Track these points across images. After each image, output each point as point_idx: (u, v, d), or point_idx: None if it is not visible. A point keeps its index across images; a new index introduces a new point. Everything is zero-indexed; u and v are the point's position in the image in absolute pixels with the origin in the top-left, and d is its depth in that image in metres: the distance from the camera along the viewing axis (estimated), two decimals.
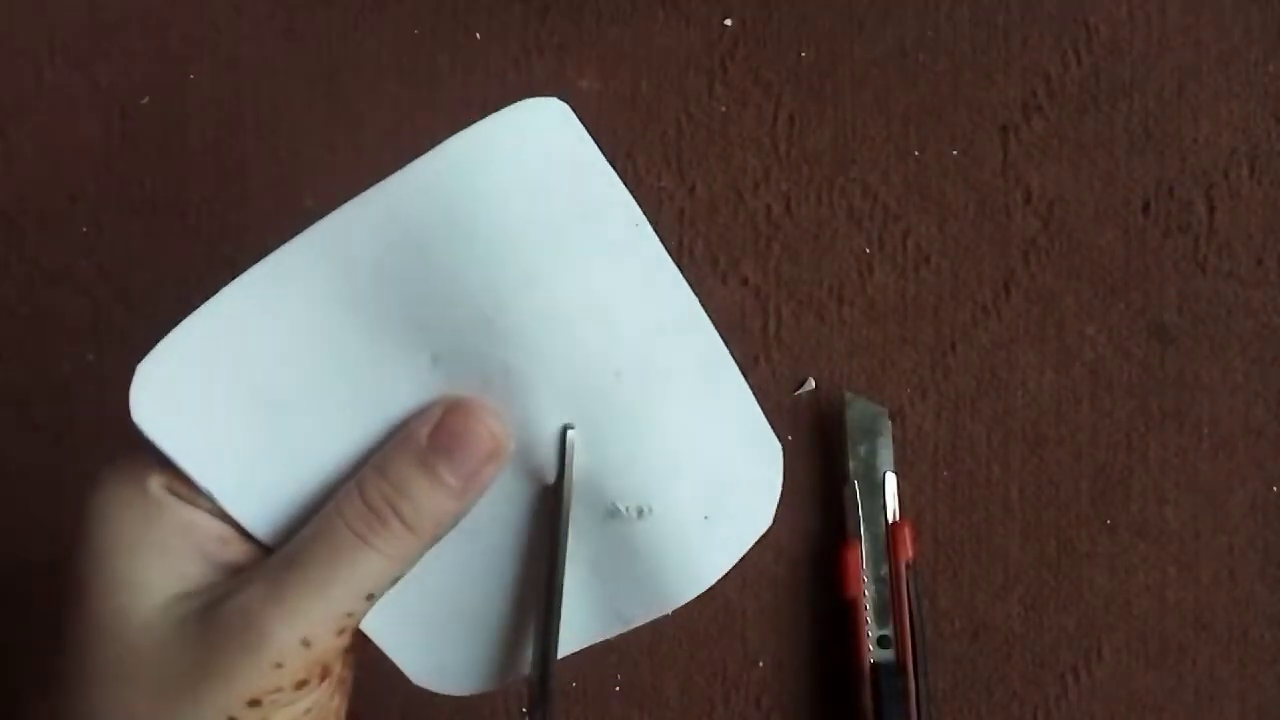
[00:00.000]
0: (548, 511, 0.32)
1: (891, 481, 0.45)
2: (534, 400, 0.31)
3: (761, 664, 0.47)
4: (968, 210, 0.47)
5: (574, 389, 0.31)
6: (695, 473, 0.33)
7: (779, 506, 0.34)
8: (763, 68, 0.47)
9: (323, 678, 0.30)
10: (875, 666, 0.45)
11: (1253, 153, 0.46)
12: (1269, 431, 0.46)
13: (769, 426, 0.34)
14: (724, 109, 0.47)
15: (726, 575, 0.46)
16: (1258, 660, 0.46)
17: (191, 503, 0.31)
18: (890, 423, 0.46)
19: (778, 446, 0.34)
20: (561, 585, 0.32)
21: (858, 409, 0.45)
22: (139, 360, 0.31)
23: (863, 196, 0.47)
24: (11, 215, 0.49)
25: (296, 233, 0.31)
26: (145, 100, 0.48)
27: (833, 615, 0.46)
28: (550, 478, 0.31)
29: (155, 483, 0.30)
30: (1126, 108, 0.46)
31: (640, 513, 0.32)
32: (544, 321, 0.30)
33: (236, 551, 0.31)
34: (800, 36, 0.47)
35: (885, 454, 0.46)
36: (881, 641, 0.45)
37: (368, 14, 0.48)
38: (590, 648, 0.47)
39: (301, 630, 0.29)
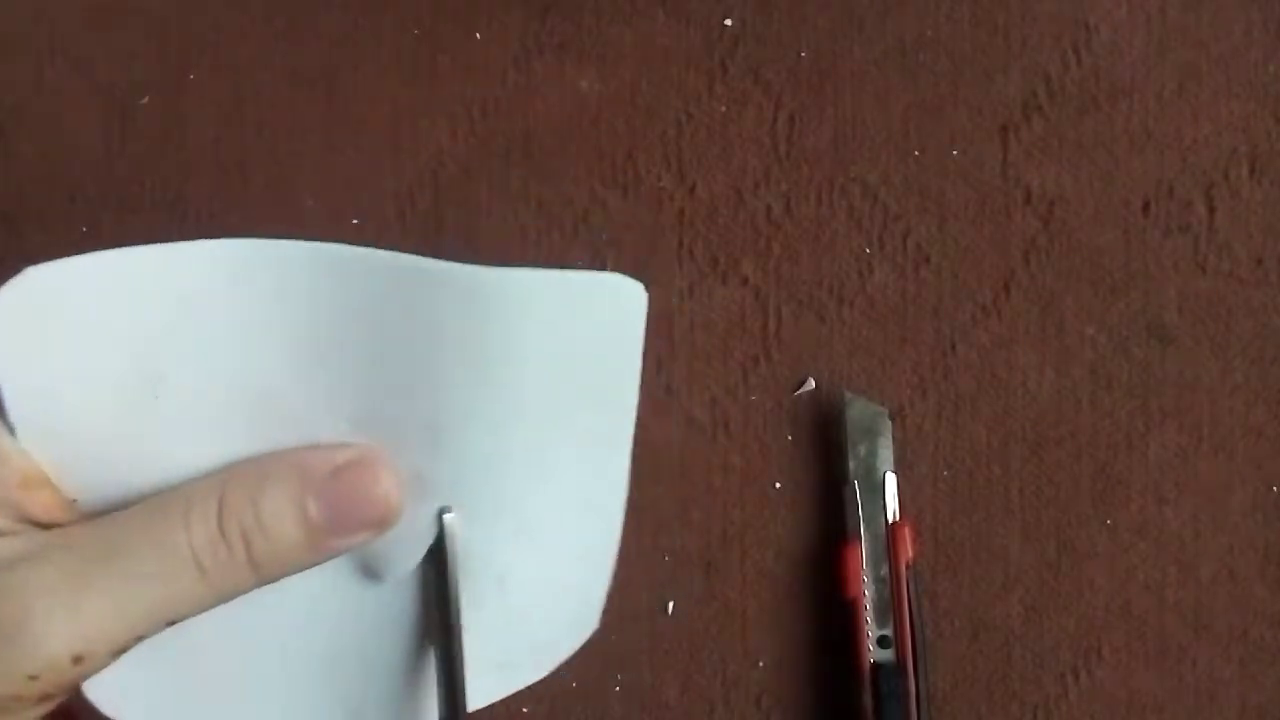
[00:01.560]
0: (425, 584, 0.31)
1: (891, 481, 0.45)
2: (425, 484, 0.29)
3: (761, 664, 0.47)
4: (968, 210, 0.47)
5: (468, 486, 0.30)
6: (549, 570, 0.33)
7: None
8: (763, 68, 0.47)
9: (65, 695, 0.25)
10: (875, 666, 0.45)
11: (1253, 153, 0.46)
12: (1269, 431, 0.46)
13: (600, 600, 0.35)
14: (724, 109, 0.47)
15: (726, 578, 0.47)
16: (1258, 660, 0.46)
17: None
18: (890, 423, 0.46)
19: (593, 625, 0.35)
20: (460, 650, 0.31)
21: (858, 409, 0.45)
22: None
23: (863, 196, 0.47)
24: (11, 215, 0.49)
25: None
26: (145, 100, 0.48)
27: (833, 615, 0.46)
28: (418, 555, 0.30)
29: None
30: (1126, 108, 0.46)
31: (500, 583, 0.32)
32: (483, 430, 0.29)
33: (41, 501, 0.26)
34: (800, 36, 0.47)
35: (885, 454, 0.46)
36: (881, 641, 0.45)
37: (368, 14, 0.48)
38: (592, 648, 0.47)
39: (80, 645, 0.24)
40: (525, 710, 0.47)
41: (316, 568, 0.28)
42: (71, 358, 0.27)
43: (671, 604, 0.47)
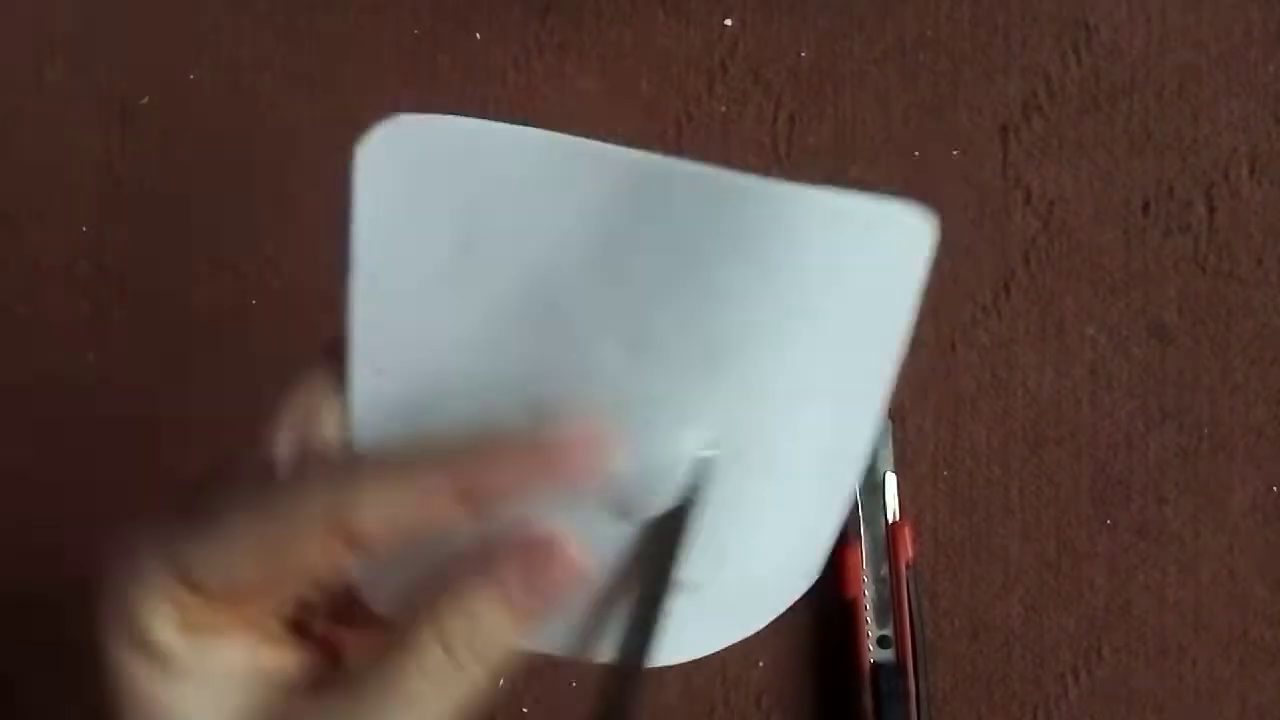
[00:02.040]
0: (656, 533, 0.30)
1: (891, 481, 0.45)
2: (673, 426, 0.29)
3: (761, 664, 0.47)
4: (968, 210, 0.47)
5: (731, 422, 0.29)
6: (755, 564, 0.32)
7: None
8: (763, 68, 0.47)
9: None
10: (875, 666, 0.45)
11: (1253, 153, 0.46)
12: (1269, 431, 0.46)
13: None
14: (724, 109, 0.47)
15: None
16: (1258, 660, 0.46)
17: (213, 631, 0.28)
18: (890, 423, 0.46)
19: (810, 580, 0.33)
20: (666, 597, 0.30)
21: None
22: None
23: None
24: (11, 215, 0.49)
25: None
26: (145, 100, 0.48)
27: (833, 615, 0.46)
28: (668, 491, 0.30)
29: (162, 626, 0.28)
30: (1126, 108, 0.46)
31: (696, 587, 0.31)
32: (755, 362, 0.29)
33: (270, 657, 0.29)
34: (800, 36, 0.47)
35: (885, 454, 0.46)
36: (881, 641, 0.45)
37: (368, 14, 0.48)
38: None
39: None
40: (525, 710, 0.47)
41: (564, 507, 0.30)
42: (414, 211, 0.29)
43: None
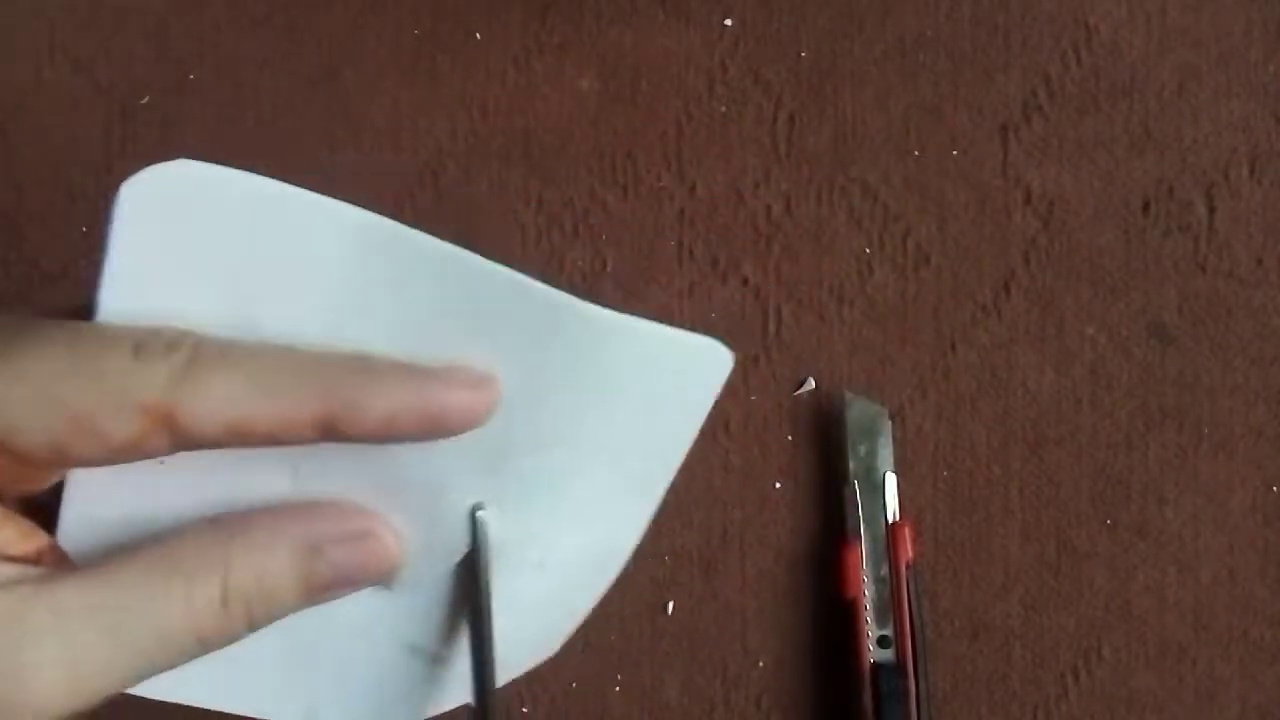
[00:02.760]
0: (462, 577, 0.30)
1: (891, 481, 0.45)
2: (448, 481, 0.29)
3: (761, 664, 0.47)
4: (968, 210, 0.47)
5: (490, 471, 0.29)
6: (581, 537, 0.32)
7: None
8: (763, 68, 0.47)
9: None
10: (875, 666, 0.45)
11: (1253, 153, 0.46)
12: (1269, 431, 0.46)
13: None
14: (724, 109, 0.47)
15: (726, 578, 0.47)
16: (1258, 660, 0.46)
17: None
18: (890, 423, 0.46)
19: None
20: (491, 639, 0.30)
21: (858, 409, 0.45)
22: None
23: (863, 196, 0.47)
24: (11, 215, 0.49)
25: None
26: (145, 100, 0.48)
27: (833, 615, 0.46)
28: (460, 551, 0.30)
29: None
30: (1126, 108, 0.46)
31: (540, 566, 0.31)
32: (530, 444, 0.29)
33: (3, 536, 0.26)
34: (800, 36, 0.47)
35: (885, 454, 0.46)
36: (881, 641, 0.45)
37: (368, 14, 0.48)
38: (592, 648, 0.47)
39: (79, 702, 0.24)
40: (525, 710, 0.47)
41: None
42: (183, 262, 0.27)
43: (671, 604, 0.47)
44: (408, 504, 0.29)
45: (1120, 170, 0.46)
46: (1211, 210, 0.46)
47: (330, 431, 0.25)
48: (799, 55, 0.47)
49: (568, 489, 0.30)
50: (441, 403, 0.26)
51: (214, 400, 0.24)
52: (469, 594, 0.30)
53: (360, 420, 0.25)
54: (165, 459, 0.25)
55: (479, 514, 0.29)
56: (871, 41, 0.47)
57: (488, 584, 0.30)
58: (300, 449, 0.26)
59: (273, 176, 0.28)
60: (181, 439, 0.24)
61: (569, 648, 0.48)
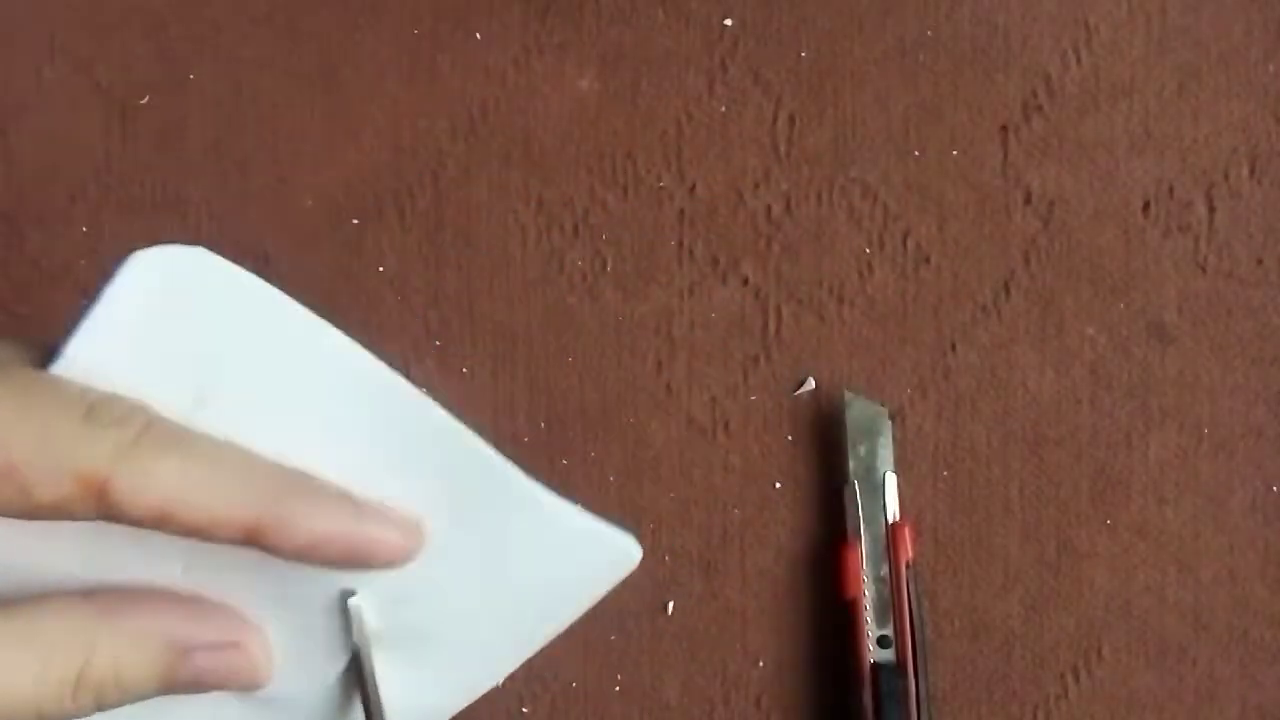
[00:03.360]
0: (351, 666, 0.30)
1: (891, 481, 0.45)
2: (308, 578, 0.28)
3: (761, 664, 0.47)
4: (968, 210, 0.47)
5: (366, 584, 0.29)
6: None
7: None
8: (763, 68, 0.47)
9: None
10: (875, 666, 0.45)
11: (1253, 153, 0.46)
12: (1269, 431, 0.46)
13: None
14: (724, 109, 0.47)
15: (726, 578, 0.47)
16: (1258, 660, 0.46)
17: None
18: (890, 423, 0.46)
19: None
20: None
21: (858, 409, 0.45)
22: None
23: (863, 196, 0.47)
24: (11, 215, 0.49)
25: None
26: (145, 100, 0.48)
27: (833, 615, 0.46)
28: (335, 639, 0.30)
29: None
30: (1126, 108, 0.46)
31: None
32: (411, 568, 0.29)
33: None
34: (800, 36, 0.47)
35: (885, 454, 0.46)
36: (881, 641, 0.45)
37: (368, 14, 0.48)
38: (592, 648, 0.47)
39: None
40: (525, 710, 0.47)
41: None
42: (162, 341, 0.27)
43: (671, 604, 0.47)
44: (282, 588, 0.28)
45: (1120, 170, 0.46)
46: (1211, 210, 0.46)
47: (254, 541, 0.25)
48: (799, 55, 0.47)
49: (444, 602, 0.31)
50: (371, 538, 0.26)
51: (151, 484, 0.24)
52: (355, 681, 0.30)
53: (288, 538, 0.25)
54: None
55: (351, 601, 0.29)
56: (871, 41, 0.47)
57: (372, 672, 0.30)
58: (184, 549, 0.26)
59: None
60: (106, 511, 0.24)
61: (569, 647, 0.48)
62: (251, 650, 0.28)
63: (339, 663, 0.30)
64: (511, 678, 0.35)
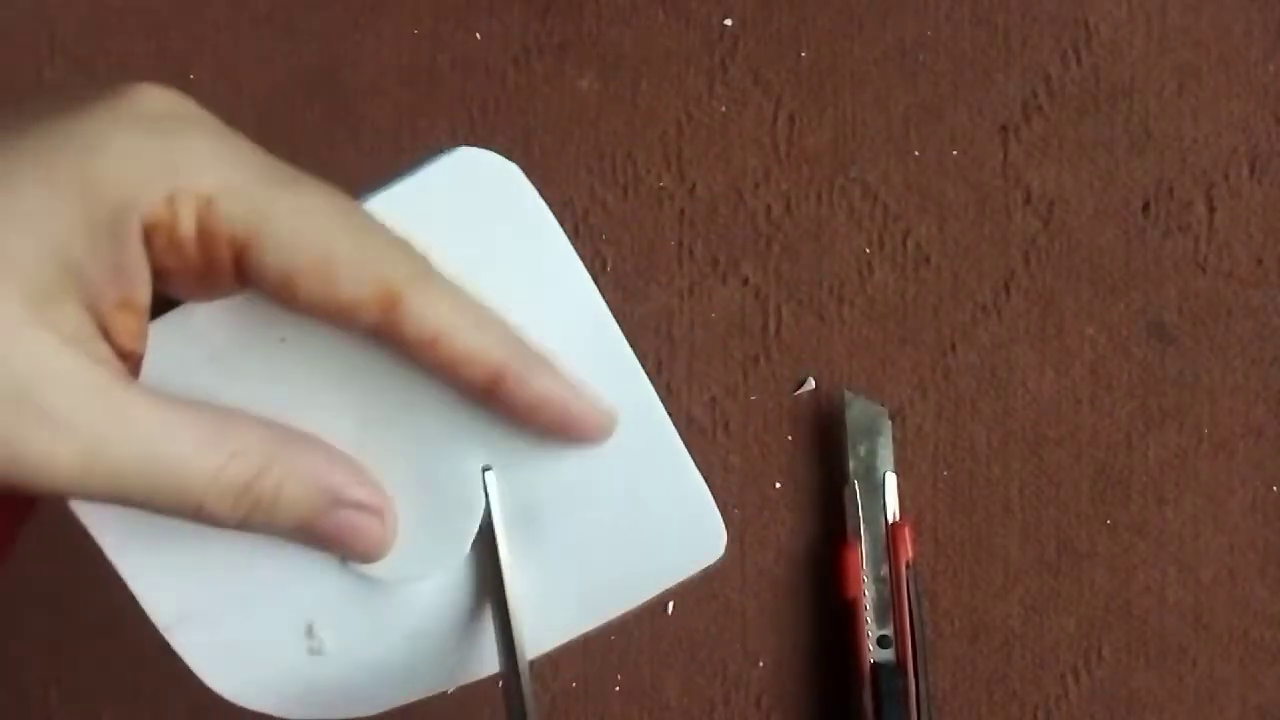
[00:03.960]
0: (484, 538, 0.31)
1: (891, 481, 0.45)
2: (452, 445, 0.30)
3: (761, 664, 0.47)
4: (968, 210, 0.47)
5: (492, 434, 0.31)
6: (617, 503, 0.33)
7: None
8: (763, 68, 0.47)
9: None
10: (875, 666, 0.45)
11: (1253, 153, 0.46)
12: (1269, 431, 0.46)
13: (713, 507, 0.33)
14: (724, 109, 0.47)
15: (726, 578, 0.47)
16: (1258, 660, 0.46)
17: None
18: (890, 423, 0.46)
19: (720, 532, 0.33)
20: (508, 606, 0.32)
21: (858, 409, 0.45)
22: None
23: (863, 196, 0.47)
24: None
25: None
26: None
27: (833, 615, 0.46)
28: (478, 513, 0.31)
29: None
30: (1126, 108, 0.46)
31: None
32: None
33: (127, 329, 0.27)
34: (800, 36, 0.47)
35: (885, 454, 0.46)
36: (881, 641, 0.45)
37: (368, 14, 0.48)
38: (592, 648, 0.47)
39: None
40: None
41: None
42: (432, 233, 0.29)
43: (671, 604, 0.47)
44: (431, 466, 0.30)
45: (1120, 170, 0.46)
46: (1211, 210, 0.46)
47: (494, 385, 0.28)
48: (799, 55, 0.47)
49: (569, 525, 0.32)
50: (583, 409, 0.30)
51: (434, 309, 0.27)
52: (488, 557, 0.31)
53: (524, 388, 0.28)
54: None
55: (487, 474, 0.31)
56: (871, 41, 0.47)
57: (504, 545, 0.31)
58: (366, 405, 0.29)
59: None
60: (387, 325, 0.27)
61: (569, 647, 0.48)
62: (388, 522, 0.30)
63: (464, 549, 0.31)
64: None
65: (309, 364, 0.29)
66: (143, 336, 0.28)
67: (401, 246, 0.28)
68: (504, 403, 0.28)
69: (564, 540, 0.32)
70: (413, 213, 0.29)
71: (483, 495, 0.31)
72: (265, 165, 0.29)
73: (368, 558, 0.30)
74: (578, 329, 0.31)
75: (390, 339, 0.27)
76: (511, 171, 0.30)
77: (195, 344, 0.29)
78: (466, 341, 0.27)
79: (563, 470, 0.31)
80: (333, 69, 0.48)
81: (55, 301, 0.25)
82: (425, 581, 0.32)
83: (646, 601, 0.33)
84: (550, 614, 0.33)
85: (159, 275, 0.26)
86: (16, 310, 0.24)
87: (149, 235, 0.26)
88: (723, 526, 0.33)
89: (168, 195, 0.26)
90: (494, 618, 0.32)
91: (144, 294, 0.26)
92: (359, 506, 0.29)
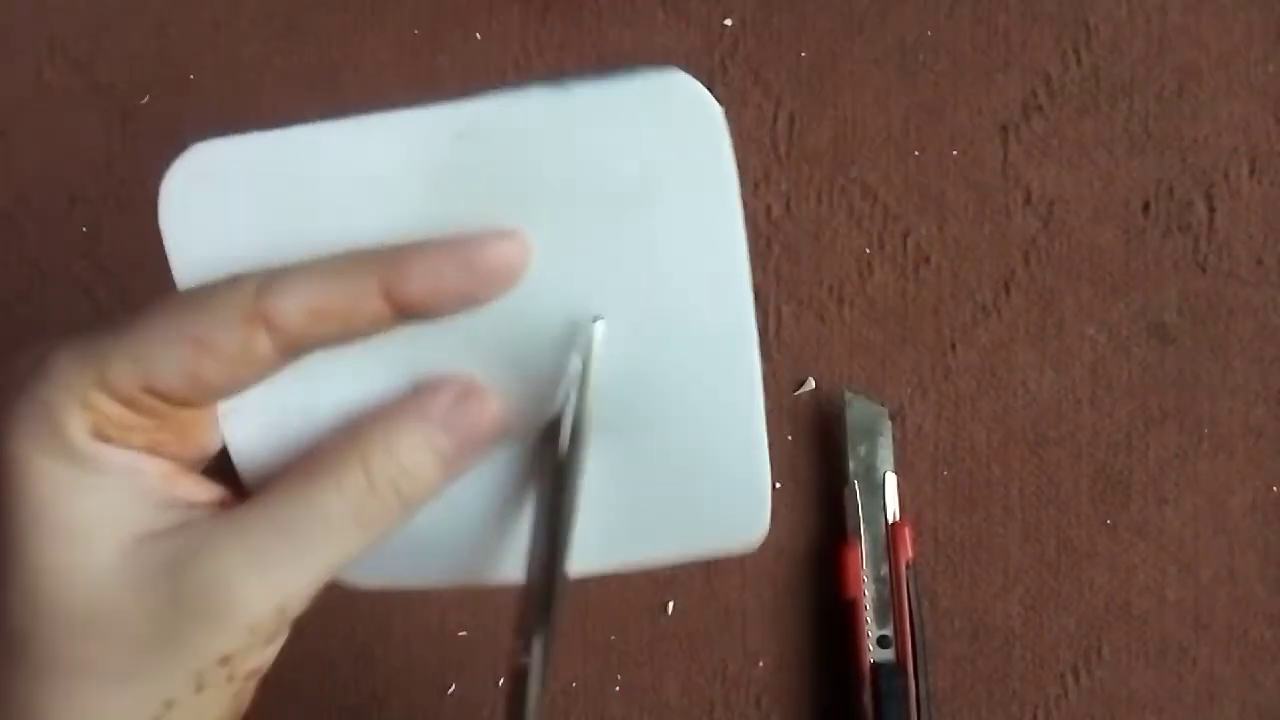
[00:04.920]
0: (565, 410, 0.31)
1: (891, 481, 0.45)
2: (559, 286, 0.30)
3: (761, 664, 0.47)
4: (968, 210, 0.47)
5: (602, 286, 0.30)
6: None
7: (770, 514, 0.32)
8: (763, 68, 0.47)
9: (291, 626, 0.29)
10: (875, 666, 0.45)
11: (1253, 153, 0.46)
12: (1269, 431, 0.46)
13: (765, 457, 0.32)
14: (724, 109, 0.47)
15: (726, 578, 0.47)
16: (1258, 660, 0.46)
17: (122, 443, 0.28)
18: (890, 423, 0.46)
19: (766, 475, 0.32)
20: (574, 496, 0.30)
21: (858, 409, 0.45)
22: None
23: (863, 196, 0.47)
24: (11, 215, 0.49)
25: None
26: (145, 100, 0.48)
27: (833, 615, 0.46)
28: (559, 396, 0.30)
29: (77, 428, 0.27)
30: (1126, 108, 0.46)
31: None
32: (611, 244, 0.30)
33: (184, 488, 0.29)
34: (800, 36, 0.47)
35: (885, 454, 0.46)
36: (881, 641, 0.45)
37: (368, 14, 0.48)
38: (592, 647, 0.47)
39: (279, 599, 0.28)
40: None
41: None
42: (234, 232, 0.30)
43: (671, 604, 0.47)
44: (514, 360, 0.30)
45: (1120, 170, 0.46)
46: (1211, 210, 0.46)
47: (396, 304, 0.28)
48: (799, 55, 0.47)
49: (660, 268, 0.31)
50: (477, 257, 0.29)
51: (294, 294, 0.28)
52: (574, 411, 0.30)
53: (412, 283, 0.28)
54: (284, 371, 0.29)
55: (597, 325, 0.30)
56: (871, 41, 0.47)
57: (588, 415, 0.30)
58: (408, 350, 0.30)
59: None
60: (279, 336, 0.28)
61: (569, 647, 0.48)
62: (484, 395, 0.31)
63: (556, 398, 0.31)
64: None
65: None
66: (206, 487, 0.30)
67: (231, 280, 0.29)
68: (411, 308, 0.28)
69: (635, 452, 0.32)
70: (203, 248, 0.30)
71: (588, 342, 0.30)
72: (102, 330, 0.30)
73: (497, 429, 0.30)
74: (712, 297, 0.30)
75: (294, 347, 0.28)
76: (711, 111, 0.31)
77: (268, 405, 0.30)
78: (336, 291, 0.28)
79: (659, 377, 0.31)
80: (333, 69, 0.48)
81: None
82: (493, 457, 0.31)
83: (670, 562, 0.33)
84: (586, 536, 0.32)
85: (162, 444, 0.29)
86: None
87: (106, 439, 0.28)
88: (769, 517, 0.32)
89: (84, 404, 0.28)
90: (540, 510, 0.31)
91: (193, 456, 0.30)
92: (454, 402, 0.30)
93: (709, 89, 0.31)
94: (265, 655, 0.29)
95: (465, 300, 0.29)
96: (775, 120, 0.47)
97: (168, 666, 0.27)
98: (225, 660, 0.28)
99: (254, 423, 0.30)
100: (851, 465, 0.45)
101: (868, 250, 0.47)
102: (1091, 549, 0.46)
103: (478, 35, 0.48)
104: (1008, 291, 0.47)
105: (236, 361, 0.28)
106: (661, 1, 0.47)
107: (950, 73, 0.47)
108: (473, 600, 0.47)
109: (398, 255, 0.28)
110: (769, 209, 0.47)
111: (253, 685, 0.29)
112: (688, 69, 0.30)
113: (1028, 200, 0.46)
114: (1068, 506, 0.46)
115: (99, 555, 0.27)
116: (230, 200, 0.30)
